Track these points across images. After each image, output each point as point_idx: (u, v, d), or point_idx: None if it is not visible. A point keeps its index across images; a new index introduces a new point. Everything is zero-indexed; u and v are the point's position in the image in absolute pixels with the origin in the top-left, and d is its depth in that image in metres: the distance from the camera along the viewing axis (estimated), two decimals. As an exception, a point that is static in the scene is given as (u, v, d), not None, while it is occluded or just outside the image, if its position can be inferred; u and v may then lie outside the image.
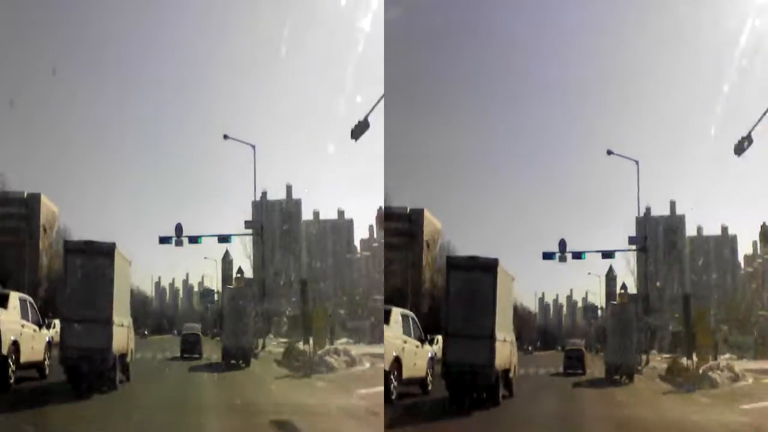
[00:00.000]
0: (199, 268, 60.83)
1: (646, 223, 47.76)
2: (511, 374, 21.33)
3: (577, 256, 35.86)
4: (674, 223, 51.94)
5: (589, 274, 46.46)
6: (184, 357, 34.51)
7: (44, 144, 52.76)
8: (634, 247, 39.54)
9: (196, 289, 65.80)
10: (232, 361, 29.99)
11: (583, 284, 63.07)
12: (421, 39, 42.17)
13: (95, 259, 19.42)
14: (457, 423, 16.99)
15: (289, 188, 55.65)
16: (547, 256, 35.28)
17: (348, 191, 66.91)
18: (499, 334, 19.10)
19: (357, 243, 59.48)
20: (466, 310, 18.80)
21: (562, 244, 35.57)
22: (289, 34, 48.67)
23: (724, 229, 55.67)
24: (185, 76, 64.75)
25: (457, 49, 51.14)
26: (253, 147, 39.09)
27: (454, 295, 19.09)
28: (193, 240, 37.90)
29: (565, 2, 51.36)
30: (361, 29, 33.38)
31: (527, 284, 56.38)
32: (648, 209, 50.49)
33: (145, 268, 59.12)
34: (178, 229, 37.32)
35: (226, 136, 38.77)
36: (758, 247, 53.58)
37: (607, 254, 37.33)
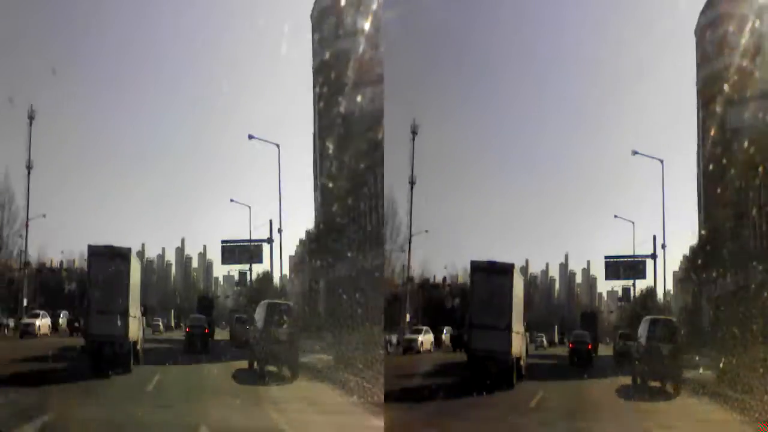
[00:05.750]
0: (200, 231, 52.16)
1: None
2: (521, 362, 24.38)
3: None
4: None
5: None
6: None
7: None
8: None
9: (195, 264, 55.84)
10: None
11: (581, 247, 54.26)
12: (420, 39, 42.49)
13: (114, 260, 21.53)
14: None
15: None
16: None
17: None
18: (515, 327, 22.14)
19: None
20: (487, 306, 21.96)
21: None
22: (289, 32, 48.84)
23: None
24: (185, 75, 65.11)
25: (456, 49, 51.51)
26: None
27: (476, 294, 22.47)
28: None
29: (564, 2, 51.75)
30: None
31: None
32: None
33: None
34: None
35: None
36: None
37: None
